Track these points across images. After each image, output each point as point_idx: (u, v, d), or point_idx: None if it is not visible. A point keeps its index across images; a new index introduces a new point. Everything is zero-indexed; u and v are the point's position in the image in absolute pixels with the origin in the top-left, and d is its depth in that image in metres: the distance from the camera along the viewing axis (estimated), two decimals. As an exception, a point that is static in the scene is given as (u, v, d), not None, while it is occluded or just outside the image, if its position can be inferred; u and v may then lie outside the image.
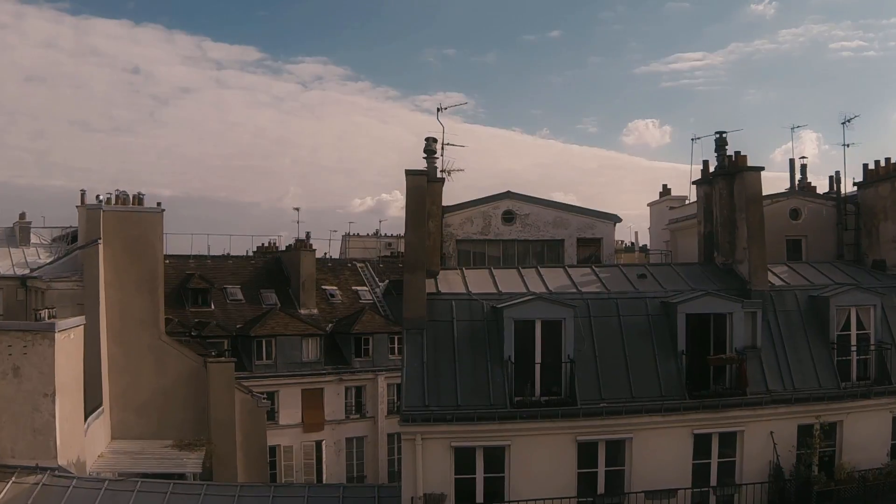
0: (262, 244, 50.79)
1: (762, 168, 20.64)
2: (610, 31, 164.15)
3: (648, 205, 29.87)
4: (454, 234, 22.36)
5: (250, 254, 54.32)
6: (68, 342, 22.06)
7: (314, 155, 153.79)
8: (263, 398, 32.65)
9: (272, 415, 39.63)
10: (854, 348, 20.25)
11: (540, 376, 18.35)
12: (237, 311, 41.86)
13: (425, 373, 18.07)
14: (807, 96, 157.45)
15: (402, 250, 73.69)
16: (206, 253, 51.47)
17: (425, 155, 20.94)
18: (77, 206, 31.03)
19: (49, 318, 23.84)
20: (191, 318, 39.91)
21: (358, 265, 48.47)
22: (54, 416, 20.43)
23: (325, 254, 53.74)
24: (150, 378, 29.92)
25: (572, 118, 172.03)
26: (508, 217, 22.74)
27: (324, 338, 41.04)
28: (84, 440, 24.24)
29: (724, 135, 21.54)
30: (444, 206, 22.22)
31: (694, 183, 23.04)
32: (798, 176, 28.67)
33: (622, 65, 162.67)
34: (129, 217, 29.62)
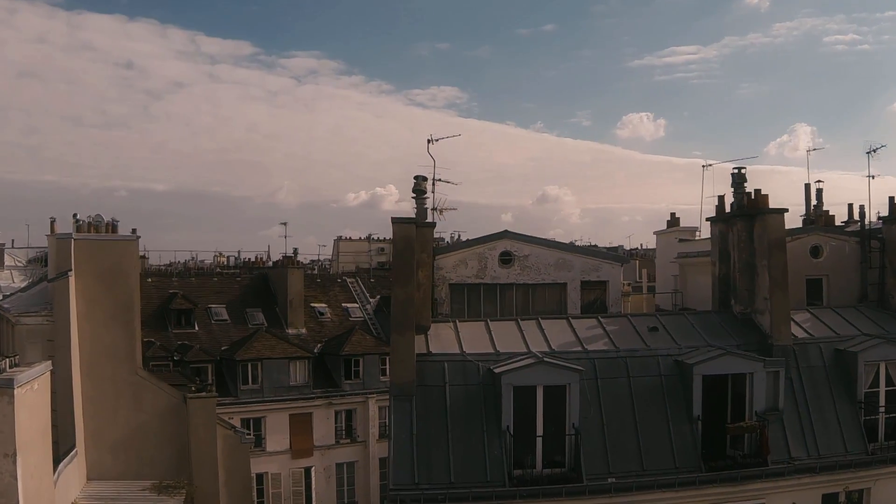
0: (249, 259, 48.93)
1: (785, 210, 18.90)
2: (604, 24, 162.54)
3: (655, 233, 28.10)
4: (447, 277, 20.52)
5: (237, 260, 52.70)
6: (31, 395, 20.39)
7: (308, 149, 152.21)
8: (247, 434, 30.91)
9: (259, 441, 38.07)
10: (882, 408, 18.59)
11: (542, 447, 16.63)
12: (222, 332, 40.03)
13: (415, 446, 16.34)
14: (801, 89, 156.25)
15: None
16: (190, 258, 49.86)
17: (414, 195, 19.11)
18: (47, 235, 29.12)
19: (11, 366, 22.09)
20: (174, 341, 38.11)
21: (348, 280, 46.59)
22: (16, 478, 18.77)
23: (314, 263, 51.92)
24: (127, 415, 28.20)
25: (566, 112, 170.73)
26: (506, 259, 20.88)
27: (312, 360, 39.26)
28: (53, 492, 22.64)
29: (742, 170, 19.74)
30: (436, 248, 20.41)
31: (708, 220, 21.23)
32: (814, 202, 26.89)
33: (616, 58, 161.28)
34: (102, 246, 27.73)
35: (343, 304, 44.32)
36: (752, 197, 19.50)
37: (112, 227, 28.27)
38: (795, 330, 19.45)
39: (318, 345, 41.12)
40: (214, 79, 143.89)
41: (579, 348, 18.01)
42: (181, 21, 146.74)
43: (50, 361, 23.86)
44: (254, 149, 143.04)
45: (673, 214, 27.49)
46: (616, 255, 21.63)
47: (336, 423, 39.98)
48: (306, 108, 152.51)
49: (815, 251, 22.37)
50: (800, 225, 24.85)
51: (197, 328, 39.59)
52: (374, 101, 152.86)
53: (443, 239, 47.99)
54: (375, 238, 71.63)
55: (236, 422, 37.03)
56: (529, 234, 21.27)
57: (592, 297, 21.16)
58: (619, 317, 19.72)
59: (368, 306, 44.66)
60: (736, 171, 19.72)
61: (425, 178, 19.12)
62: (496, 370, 16.87)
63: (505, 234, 20.99)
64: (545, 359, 16.78)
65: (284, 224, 47.39)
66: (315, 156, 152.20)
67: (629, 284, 22.39)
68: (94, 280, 27.46)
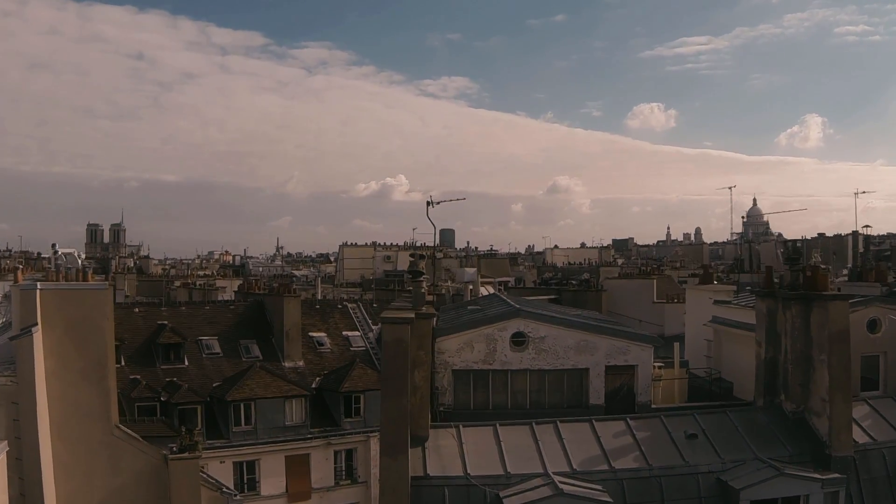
0: (243, 285, 46.33)
1: (851, 297, 16.00)
2: (615, 15, 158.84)
3: (684, 285, 25.26)
4: (450, 363, 17.76)
5: (242, 258, 50.24)
6: (-20, 486, 18.14)
7: (318, 140, 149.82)
8: (236, 496, 28.36)
9: (253, 484, 35.76)
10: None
11: None
12: (214, 367, 37.43)
13: None
14: (812, 80, 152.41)
15: (401, 266, 68.79)
16: (196, 256, 47.36)
17: (410, 275, 16.36)
18: (10, 286, 26.54)
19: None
20: (161, 378, 35.56)
21: (349, 306, 43.88)
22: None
23: (318, 261, 49.26)
24: (103, 478, 25.96)
25: (577, 102, 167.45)
26: (519, 341, 18.07)
27: (309, 398, 36.64)
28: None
29: (798, 244, 16.82)
30: (436, 328, 17.66)
31: (755, 294, 18.34)
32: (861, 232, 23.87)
33: (627, 49, 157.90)
34: (71, 296, 25.33)
35: (343, 333, 41.61)
36: (810, 274, 16.58)
37: (83, 274, 25.62)
38: (855, 432, 16.62)
39: (317, 379, 38.51)
40: (225, 70, 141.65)
41: (605, 466, 15.22)
42: (191, 12, 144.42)
43: (6, 442, 21.65)
44: (264, 139, 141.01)
45: (706, 268, 24.55)
46: (647, 335, 18.78)
47: (335, 463, 37.47)
48: (317, 99, 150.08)
49: (873, 325, 19.44)
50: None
51: (187, 363, 37.01)
52: (385, 92, 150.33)
53: (452, 232, 45.45)
54: (381, 245, 69.09)
55: (228, 465, 34.75)
56: (547, 314, 18.45)
57: (618, 383, 18.35)
58: (651, 417, 16.86)
59: (371, 334, 41.98)
60: (791, 244, 16.81)
61: (423, 257, 16.44)
62: (506, 500, 14.15)
63: (518, 313, 18.16)
64: (564, 488, 14.03)
65: (282, 247, 44.75)
66: (325, 146, 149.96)
67: (660, 367, 19.63)
68: (63, 334, 25.06)
